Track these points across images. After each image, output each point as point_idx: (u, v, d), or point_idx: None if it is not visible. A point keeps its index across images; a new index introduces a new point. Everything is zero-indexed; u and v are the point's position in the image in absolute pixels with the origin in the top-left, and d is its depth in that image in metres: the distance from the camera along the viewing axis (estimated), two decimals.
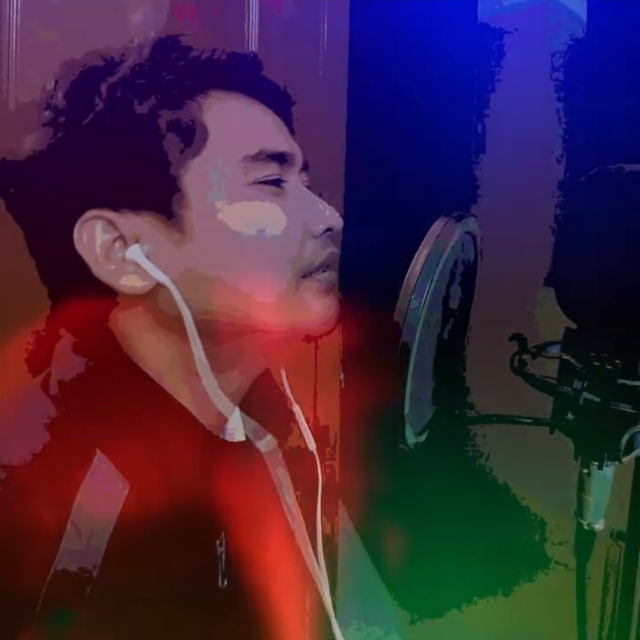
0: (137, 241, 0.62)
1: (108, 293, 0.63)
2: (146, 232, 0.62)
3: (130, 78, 0.62)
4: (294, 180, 0.67)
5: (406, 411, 0.69)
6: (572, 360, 0.69)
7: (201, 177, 0.62)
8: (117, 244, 0.62)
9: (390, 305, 0.68)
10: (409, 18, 0.99)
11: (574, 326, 0.71)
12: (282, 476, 0.75)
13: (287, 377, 0.74)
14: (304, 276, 0.65)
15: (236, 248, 0.63)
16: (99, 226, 0.62)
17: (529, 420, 0.78)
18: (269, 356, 0.71)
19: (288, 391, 0.74)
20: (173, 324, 0.63)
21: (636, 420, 0.67)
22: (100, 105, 0.61)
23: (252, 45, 0.96)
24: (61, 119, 0.62)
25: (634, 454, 0.68)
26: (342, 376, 1.05)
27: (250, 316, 0.64)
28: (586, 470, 0.70)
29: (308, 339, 0.70)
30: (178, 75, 0.63)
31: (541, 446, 0.80)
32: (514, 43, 1.04)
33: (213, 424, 0.68)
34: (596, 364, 0.67)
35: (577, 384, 0.69)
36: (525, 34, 1.04)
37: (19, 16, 0.83)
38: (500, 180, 1.05)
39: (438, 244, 0.69)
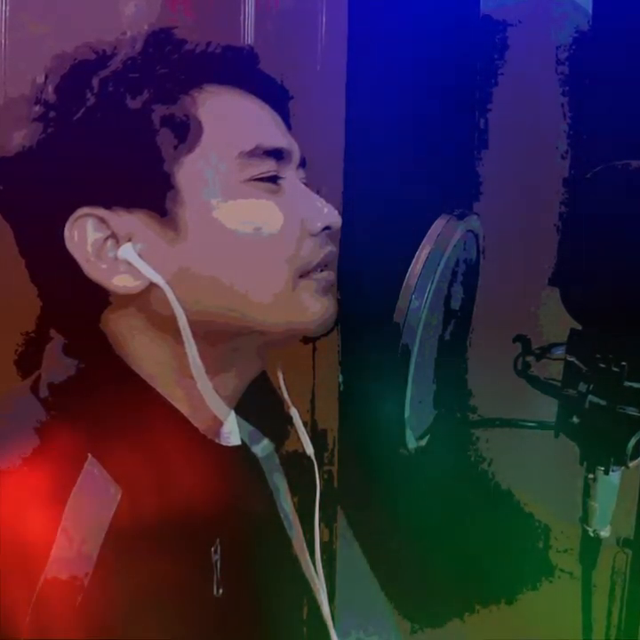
0: (129, 239, 0.61)
1: (100, 293, 0.62)
2: (139, 230, 0.61)
3: (122, 72, 0.61)
4: (291, 176, 0.66)
5: (407, 414, 0.69)
6: (577, 362, 0.69)
7: (195, 174, 0.61)
8: (109, 242, 0.61)
9: (390, 305, 0.68)
10: (409, 10, 0.99)
11: (579, 327, 0.70)
12: (279, 481, 0.75)
13: (284, 379, 0.73)
14: (302, 276, 0.64)
15: (232, 247, 0.62)
16: (90, 224, 0.61)
17: (533, 424, 0.78)
18: (266, 358, 0.70)
19: (285, 394, 0.73)
20: (167, 325, 0.62)
21: None
22: (91, 99, 0.60)
23: (248, 38, 0.95)
24: (52, 114, 0.60)
25: None
26: (341, 378, 1.05)
27: (246, 316, 0.63)
28: (591, 475, 0.70)
29: (306, 340, 0.69)
30: (171, 68, 0.62)
31: (546, 450, 0.79)
32: (517, 35, 1.04)
33: (208, 428, 0.67)
34: (602, 366, 0.67)
35: (582, 387, 0.68)
36: (529, 26, 1.04)
37: (8, 8, 0.82)
38: (502, 176, 1.04)
39: (440, 242, 0.69)
